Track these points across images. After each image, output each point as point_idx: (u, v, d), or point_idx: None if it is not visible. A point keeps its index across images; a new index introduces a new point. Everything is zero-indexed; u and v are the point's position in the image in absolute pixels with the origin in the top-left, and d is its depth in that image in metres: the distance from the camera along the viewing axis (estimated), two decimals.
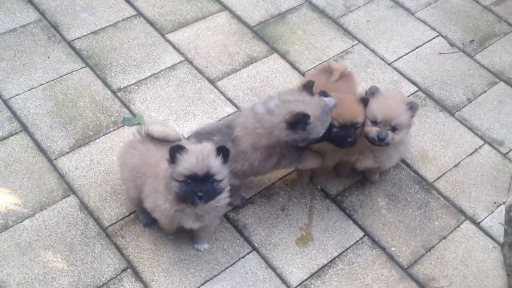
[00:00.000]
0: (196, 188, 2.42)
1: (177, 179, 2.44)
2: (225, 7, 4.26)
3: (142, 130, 2.77)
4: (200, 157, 2.41)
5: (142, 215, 3.00)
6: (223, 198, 2.64)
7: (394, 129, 2.83)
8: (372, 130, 2.84)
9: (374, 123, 2.84)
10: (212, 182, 2.45)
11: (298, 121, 2.62)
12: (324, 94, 2.76)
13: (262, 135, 2.71)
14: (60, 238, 2.94)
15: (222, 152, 2.47)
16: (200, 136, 2.82)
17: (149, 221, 2.99)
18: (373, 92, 2.89)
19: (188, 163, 2.41)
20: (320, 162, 2.95)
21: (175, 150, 2.42)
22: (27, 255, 2.86)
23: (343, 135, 2.83)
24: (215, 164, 2.44)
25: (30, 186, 3.12)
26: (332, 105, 2.74)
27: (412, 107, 2.86)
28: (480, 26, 4.33)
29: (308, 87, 2.74)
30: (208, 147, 2.48)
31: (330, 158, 3.02)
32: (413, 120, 2.94)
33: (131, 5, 4.19)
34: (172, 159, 2.44)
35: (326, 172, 3.27)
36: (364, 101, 2.90)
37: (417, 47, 4.13)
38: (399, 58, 4.04)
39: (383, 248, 3.05)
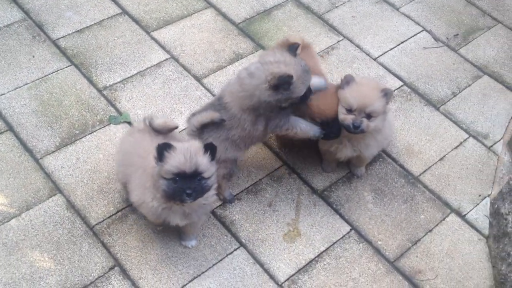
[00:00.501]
0: (184, 185, 2.43)
1: (165, 177, 2.45)
2: (210, 4, 4.26)
3: (146, 120, 2.79)
4: (188, 154, 2.42)
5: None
6: (211, 196, 2.65)
7: (369, 116, 2.87)
8: (347, 118, 2.87)
9: (349, 111, 2.87)
10: (200, 179, 2.47)
11: (282, 83, 2.67)
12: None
13: (244, 97, 2.77)
14: (47, 237, 2.94)
15: (210, 149, 2.48)
16: (195, 115, 2.89)
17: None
18: (348, 80, 2.92)
19: (176, 161, 2.41)
20: (312, 132, 2.95)
21: (162, 148, 2.43)
22: (14, 254, 2.86)
23: (329, 131, 2.96)
24: (203, 161, 2.45)
25: (16, 186, 3.11)
26: (323, 85, 2.86)
27: (387, 94, 2.89)
28: (464, 20, 4.36)
29: (292, 48, 2.80)
30: (195, 145, 2.49)
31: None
32: (388, 107, 2.97)
33: (116, 3, 4.17)
34: (160, 157, 2.44)
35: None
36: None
37: (402, 42, 4.16)
38: (384, 53, 4.06)
39: (369, 242, 3.07)
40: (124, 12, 4.12)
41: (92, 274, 2.83)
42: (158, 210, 2.61)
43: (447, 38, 4.21)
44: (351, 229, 3.12)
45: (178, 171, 2.42)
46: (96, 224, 3.01)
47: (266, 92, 2.71)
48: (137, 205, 2.71)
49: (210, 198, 2.66)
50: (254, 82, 2.72)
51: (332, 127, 2.95)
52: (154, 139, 2.70)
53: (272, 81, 2.67)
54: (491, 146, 3.56)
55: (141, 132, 2.79)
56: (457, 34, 4.24)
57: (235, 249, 2.98)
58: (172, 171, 2.42)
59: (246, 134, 2.89)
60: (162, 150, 2.43)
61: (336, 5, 4.38)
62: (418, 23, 4.30)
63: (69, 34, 3.92)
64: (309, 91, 2.80)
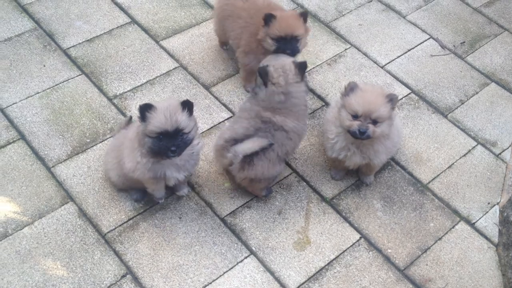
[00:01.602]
0: (168, 143, 2.66)
1: (150, 136, 2.66)
2: None
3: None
4: (168, 114, 2.63)
5: (132, 191, 3.15)
6: (196, 144, 2.87)
7: (375, 122, 2.89)
8: (353, 124, 2.89)
9: (355, 117, 2.90)
10: (182, 135, 2.68)
11: (303, 66, 3.05)
12: None
13: (288, 105, 3.07)
14: (59, 245, 2.97)
15: (187, 106, 2.68)
16: (237, 142, 2.99)
17: (140, 197, 3.15)
18: (352, 87, 2.94)
19: (158, 121, 2.63)
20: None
21: (144, 108, 2.63)
22: (27, 262, 2.89)
23: (284, 48, 3.34)
24: (183, 118, 2.67)
25: (29, 194, 3.15)
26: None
27: (392, 100, 2.91)
28: (471, 28, 4.39)
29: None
30: (174, 104, 2.70)
31: None
32: (394, 113, 2.99)
33: (125, 12, 4.21)
34: (143, 117, 2.65)
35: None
36: (303, 16, 3.37)
37: (409, 50, 4.18)
38: (391, 61, 4.09)
39: (379, 250, 3.09)
40: (133, 21, 4.16)
41: (104, 282, 2.86)
42: (148, 165, 2.79)
43: (454, 46, 4.23)
44: (360, 237, 3.13)
45: (161, 130, 2.63)
46: (108, 232, 3.04)
47: (298, 86, 3.04)
48: (132, 170, 2.86)
49: (196, 147, 2.89)
50: (286, 80, 3.02)
51: (288, 44, 3.32)
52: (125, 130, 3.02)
53: (297, 67, 3.03)
54: (500, 153, 3.58)
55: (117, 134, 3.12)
56: (464, 42, 4.27)
57: (246, 257, 3.01)
58: (155, 131, 2.64)
59: (293, 145, 3.13)
60: (144, 111, 2.63)
61: (343, 13, 4.41)
62: (425, 31, 4.33)
63: (80, 43, 3.96)
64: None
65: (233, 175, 3.12)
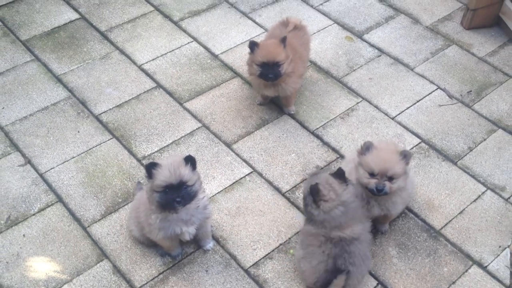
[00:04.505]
0: (173, 195, 2.87)
1: (157, 191, 2.89)
2: (237, 74, 4.59)
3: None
4: (172, 169, 2.86)
5: (158, 247, 3.38)
6: (201, 199, 3.07)
7: (391, 178, 3.09)
8: (371, 182, 3.10)
9: (372, 175, 3.11)
10: (186, 187, 2.90)
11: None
12: None
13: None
14: None
15: (190, 161, 2.92)
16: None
17: (165, 252, 3.38)
18: (367, 146, 3.16)
19: (163, 175, 2.86)
20: None
21: (150, 167, 2.88)
22: None
23: (266, 72, 3.80)
24: (186, 172, 2.89)
25: (67, 253, 3.40)
26: None
27: (406, 156, 3.12)
28: (477, 77, 4.60)
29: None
30: (177, 159, 2.92)
31: None
32: (409, 167, 3.19)
33: (151, 78, 4.55)
34: (149, 175, 2.89)
35: None
36: (283, 40, 3.78)
37: (417, 101, 4.40)
38: (401, 112, 4.31)
39: None
40: (159, 85, 4.48)
41: None
42: (157, 223, 3.01)
43: (461, 95, 4.44)
44: (378, 284, 3.29)
45: (166, 184, 2.87)
46: (140, 287, 3.26)
47: (348, 191, 3.07)
48: (149, 235, 3.13)
49: (201, 201, 3.09)
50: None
51: (271, 69, 3.78)
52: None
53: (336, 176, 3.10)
54: (509, 198, 3.73)
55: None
56: (471, 91, 4.47)
57: None
58: (161, 185, 2.87)
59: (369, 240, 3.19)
60: (150, 169, 2.88)
61: (354, 69, 4.67)
62: (432, 82, 4.56)
63: (110, 109, 4.29)
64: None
65: None
